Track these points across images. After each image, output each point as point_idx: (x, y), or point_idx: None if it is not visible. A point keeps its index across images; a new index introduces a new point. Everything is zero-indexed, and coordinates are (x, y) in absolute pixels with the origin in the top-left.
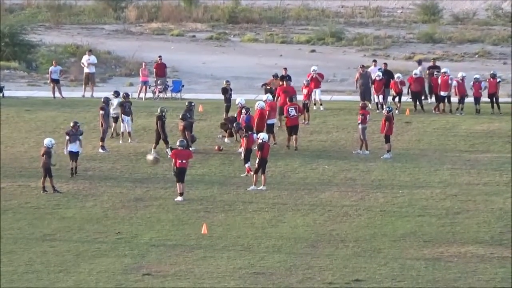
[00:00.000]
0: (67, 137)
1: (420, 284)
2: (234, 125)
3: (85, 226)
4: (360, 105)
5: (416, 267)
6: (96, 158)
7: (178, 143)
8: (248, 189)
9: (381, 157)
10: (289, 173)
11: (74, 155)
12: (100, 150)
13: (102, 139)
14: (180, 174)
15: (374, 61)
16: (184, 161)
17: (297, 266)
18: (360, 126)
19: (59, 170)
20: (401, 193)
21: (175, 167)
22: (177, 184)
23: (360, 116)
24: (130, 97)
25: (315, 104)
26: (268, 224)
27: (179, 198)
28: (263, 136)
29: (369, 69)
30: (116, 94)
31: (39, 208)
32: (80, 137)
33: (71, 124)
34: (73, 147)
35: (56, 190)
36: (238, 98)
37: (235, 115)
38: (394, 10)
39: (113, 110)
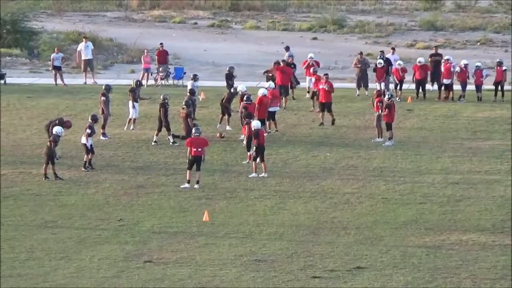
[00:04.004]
0: (89, 131)
1: (422, 271)
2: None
3: (86, 213)
4: (375, 93)
5: (417, 254)
6: (97, 145)
7: (194, 131)
8: (249, 176)
9: (383, 145)
10: (291, 160)
11: (89, 148)
12: (102, 137)
13: (103, 126)
14: (195, 162)
15: (393, 48)
16: (199, 149)
17: (298, 253)
18: (375, 114)
19: (60, 158)
20: (402, 180)
21: (190, 155)
22: (187, 171)
23: (379, 104)
24: (142, 85)
25: (308, 92)
26: (270, 212)
27: (186, 185)
28: (256, 123)
29: (387, 56)
30: (194, 77)
31: (41, 195)
32: None
33: (93, 118)
34: (90, 140)
35: (57, 177)
36: (239, 86)
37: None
38: None
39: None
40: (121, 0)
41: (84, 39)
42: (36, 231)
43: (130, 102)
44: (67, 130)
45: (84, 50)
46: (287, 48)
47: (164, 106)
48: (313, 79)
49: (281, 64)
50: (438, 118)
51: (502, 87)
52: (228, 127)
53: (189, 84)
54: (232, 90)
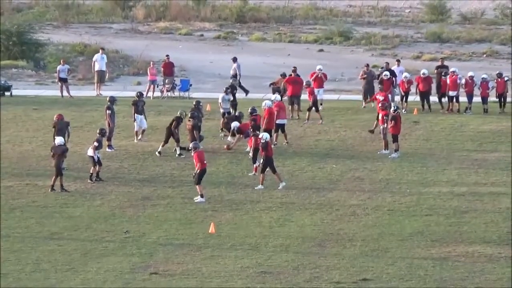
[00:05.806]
0: (96, 144)
1: (428, 283)
2: (234, 129)
3: (92, 225)
4: (380, 105)
5: (423, 266)
6: (103, 157)
7: (192, 145)
8: (255, 188)
9: (389, 157)
10: (297, 172)
11: (97, 160)
12: (107, 149)
13: (109, 138)
14: (203, 175)
15: (398, 60)
16: (205, 161)
17: (304, 265)
18: (381, 126)
19: (66, 169)
20: (408, 192)
21: (198, 170)
22: (197, 186)
23: (385, 117)
24: (144, 96)
25: (321, 104)
26: (276, 223)
27: (202, 199)
28: (265, 136)
29: (393, 68)
30: (226, 90)
31: (47, 206)
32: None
33: (101, 132)
34: (97, 153)
35: (63, 189)
36: (232, 124)
37: (237, 114)
38: (402, 9)
39: (223, 105)
40: (127, 11)
41: (100, 50)
42: (42, 243)
43: (133, 115)
44: (73, 142)
45: (100, 61)
46: (235, 59)
47: (178, 119)
48: (321, 91)
49: (293, 74)
50: (444, 130)
51: (504, 99)
52: (229, 138)
53: (220, 97)
54: (237, 113)
